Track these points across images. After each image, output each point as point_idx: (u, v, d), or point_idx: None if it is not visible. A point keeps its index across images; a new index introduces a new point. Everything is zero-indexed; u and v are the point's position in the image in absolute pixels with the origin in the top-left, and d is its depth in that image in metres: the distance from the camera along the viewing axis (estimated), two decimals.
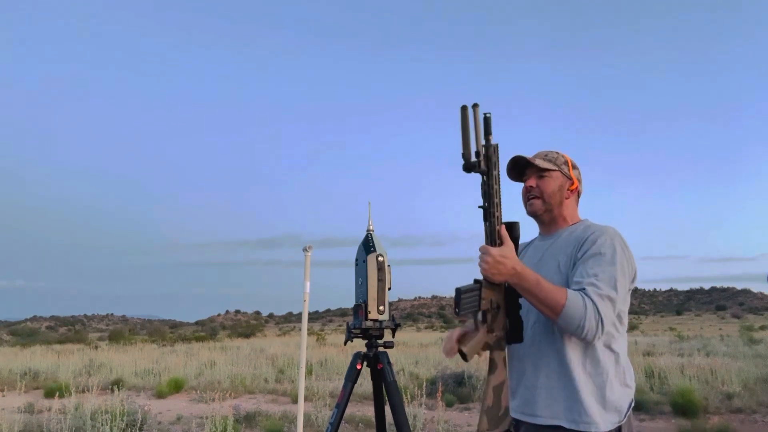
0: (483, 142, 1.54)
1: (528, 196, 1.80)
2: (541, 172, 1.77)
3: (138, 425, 6.24)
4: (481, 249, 1.53)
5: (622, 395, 1.65)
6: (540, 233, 1.88)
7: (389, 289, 2.15)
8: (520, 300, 1.62)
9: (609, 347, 1.65)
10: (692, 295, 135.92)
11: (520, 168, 1.82)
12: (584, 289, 1.54)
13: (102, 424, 5.91)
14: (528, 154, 1.82)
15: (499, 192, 1.55)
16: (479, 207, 1.56)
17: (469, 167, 1.53)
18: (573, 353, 1.63)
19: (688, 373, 9.46)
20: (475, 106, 1.54)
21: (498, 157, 1.55)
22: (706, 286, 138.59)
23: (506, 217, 1.58)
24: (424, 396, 6.92)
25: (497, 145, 1.55)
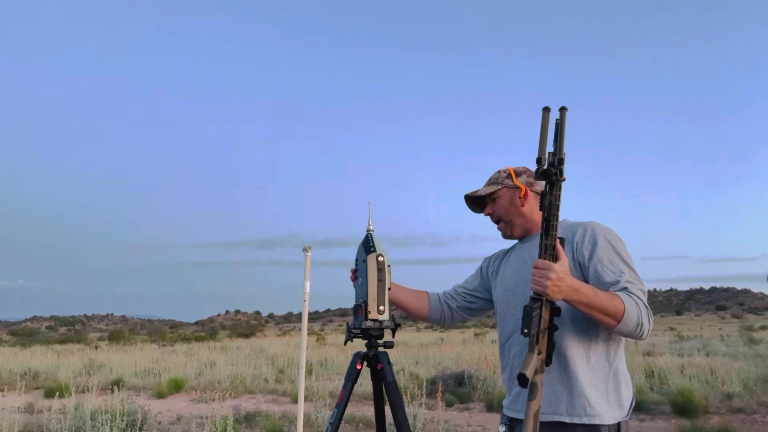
0: (554, 149, 1.42)
1: (494, 223, 1.89)
2: (492, 197, 1.86)
3: (138, 425, 6.24)
4: (541, 264, 1.42)
5: (626, 391, 1.66)
6: (519, 241, 1.93)
7: (389, 289, 2.15)
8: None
9: (615, 341, 1.67)
10: (692, 295, 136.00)
11: (478, 201, 1.93)
12: (626, 288, 1.54)
13: (102, 424, 5.91)
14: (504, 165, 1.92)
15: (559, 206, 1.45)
16: (543, 220, 1.43)
17: (545, 174, 1.41)
18: (575, 348, 1.63)
19: (688, 373, 9.47)
20: (562, 109, 1.42)
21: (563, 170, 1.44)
22: (706, 286, 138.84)
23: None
24: (424, 396, 6.92)
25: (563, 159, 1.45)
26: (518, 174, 1.84)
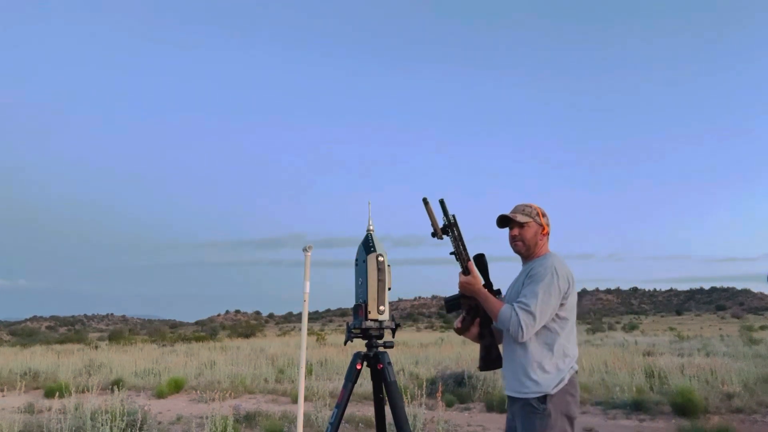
0: (444, 220, 2.38)
1: (514, 241, 2.47)
2: (521, 225, 2.44)
3: (138, 425, 6.24)
4: (459, 275, 2.41)
5: (559, 364, 2.24)
6: (523, 262, 2.56)
7: (389, 289, 2.16)
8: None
9: (551, 336, 2.29)
10: (692, 295, 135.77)
11: (506, 220, 2.49)
12: (514, 304, 2.28)
13: (102, 424, 5.90)
14: (519, 201, 2.61)
15: (464, 242, 2.41)
16: (450, 253, 2.41)
17: (439, 237, 2.37)
18: (527, 343, 2.28)
19: (688, 373, 9.47)
20: (441, 201, 2.39)
21: (457, 222, 2.39)
22: (707, 286, 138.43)
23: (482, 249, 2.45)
24: (424, 396, 6.92)
25: (455, 215, 2.37)
26: (543, 215, 2.50)
